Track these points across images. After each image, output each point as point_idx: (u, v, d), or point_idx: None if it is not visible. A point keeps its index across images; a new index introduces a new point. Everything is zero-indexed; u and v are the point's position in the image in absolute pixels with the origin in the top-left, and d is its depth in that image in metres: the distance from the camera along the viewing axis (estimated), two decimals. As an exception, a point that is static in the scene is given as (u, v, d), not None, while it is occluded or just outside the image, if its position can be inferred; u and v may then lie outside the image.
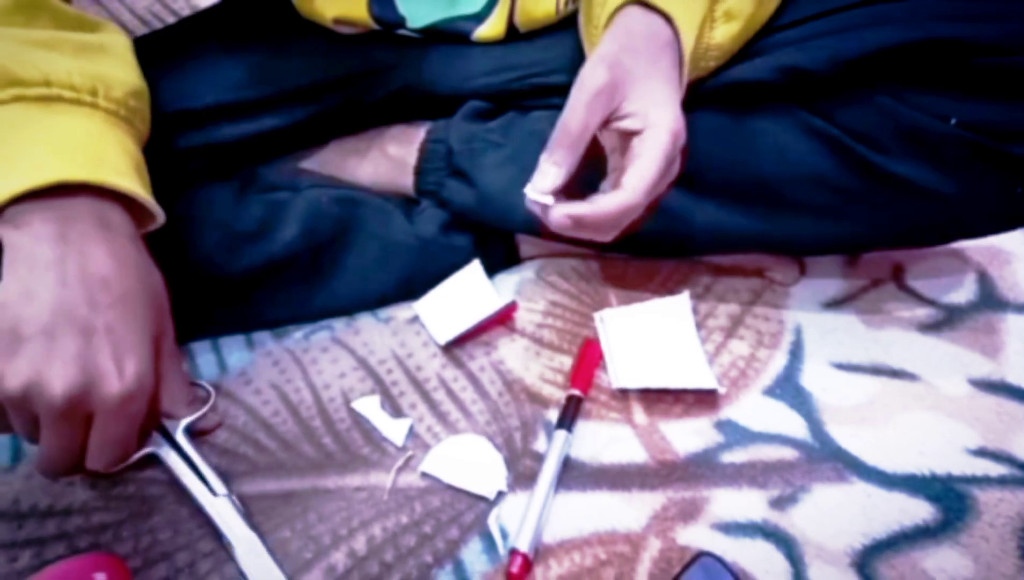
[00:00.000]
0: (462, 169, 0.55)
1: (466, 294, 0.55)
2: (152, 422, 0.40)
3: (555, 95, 0.53)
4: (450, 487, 0.43)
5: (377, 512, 0.41)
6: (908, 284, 0.59)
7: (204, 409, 0.43)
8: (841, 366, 0.54)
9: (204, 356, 0.50)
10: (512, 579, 0.38)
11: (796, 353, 0.54)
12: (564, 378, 0.51)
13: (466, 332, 0.52)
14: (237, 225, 0.50)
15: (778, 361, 0.54)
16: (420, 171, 0.57)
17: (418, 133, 0.58)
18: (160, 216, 0.39)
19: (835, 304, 0.59)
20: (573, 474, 0.44)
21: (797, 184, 0.49)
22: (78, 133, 0.36)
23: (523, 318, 0.55)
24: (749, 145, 0.49)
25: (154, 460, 0.41)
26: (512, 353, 0.52)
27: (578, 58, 0.52)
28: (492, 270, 0.58)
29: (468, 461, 0.44)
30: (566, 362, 0.52)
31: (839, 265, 0.63)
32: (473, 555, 0.40)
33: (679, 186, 0.46)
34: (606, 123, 0.37)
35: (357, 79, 0.55)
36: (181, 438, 0.41)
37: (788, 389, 0.51)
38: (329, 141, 0.58)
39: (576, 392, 0.48)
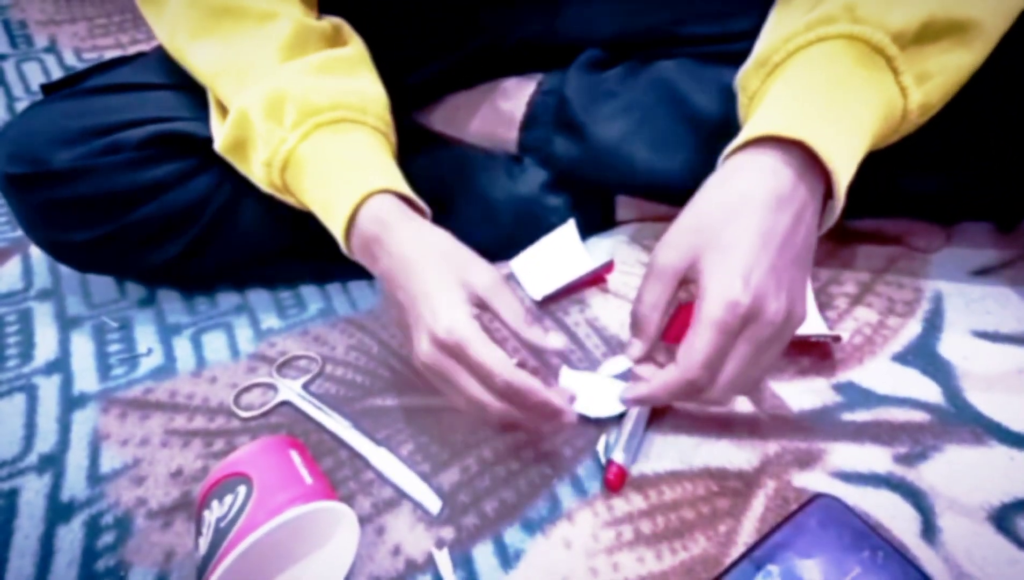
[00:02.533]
0: (574, 120, 0.55)
1: (560, 253, 0.56)
2: None
3: (686, 45, 0.53)
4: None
5: (498, 430, 0.45)
6: (1071, 251, 0.54)
7: (314, 372, 0.49)
8: (986, 335, 0.50)
9: (338, 297, 0.56)
10: (609, 485, 0.40)
11: (934, 321, 0.52)
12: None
13: (561, 289, 0.53)
14: None
15: (911, 329, 0.51)
16: (526, 125, 0.58)
17: (528, 87, 0.59)
18: (427, 212, 0.43)
19: (984, 272, 0.55)
20: (679, 420, 0.45)
21: None
22: (364, 148, 0.42)
23: (617, 280, 0.56)
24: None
25: (287, 406, 0.47)
26: (606, 311, 0.54)
27: (714, 10, 0.51)
28: (587, 232, 0.58)
29: (587, 388, 0.46)
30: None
31: (989, 234, 0.58)
32: (588, 472, 0.42)
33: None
34: (684, 283, 0.37)
35: (493, 26, 0.56)
36: (303, 392, 0.48)
37: (922, 356, 0.49)
38: (445, 96, 0.60)
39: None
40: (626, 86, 0.54)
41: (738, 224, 0.34)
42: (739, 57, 0.41)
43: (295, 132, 0.41)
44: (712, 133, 0.51)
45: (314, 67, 0.43)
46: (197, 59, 0.45)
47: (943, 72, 0.36)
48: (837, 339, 0.49)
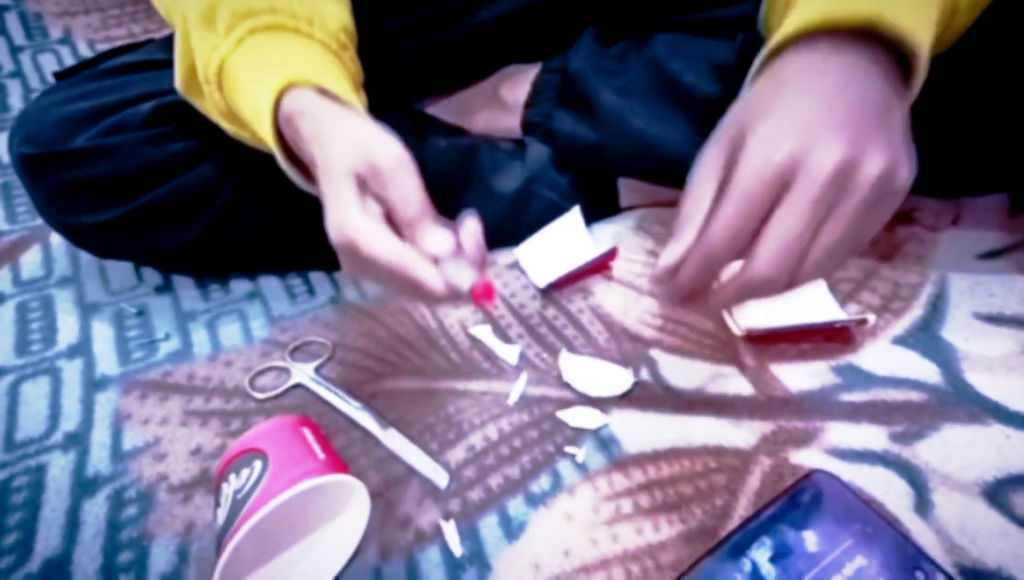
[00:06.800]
0: (577, 95, 0.56)
1: (564, 240, 0.57)
2: None
3: (687, 12, 0.53)
4: (560, 399, 0.47)
5: (502, 411, 0.46)
6: (1077, 233, 0.54)
7: (325, 356, 0.51)
8: (990, 318, 0.51)
9: (349, 288, 0.57)
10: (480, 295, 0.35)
11: (937, 305, 0.52)
12: (664, 322, 0.52)
13: (565, 277, 0.54)
14: None
15: (914, 312, 0.52)
16: (529, 104, 0.59)
17: (530, 74, 0.60)
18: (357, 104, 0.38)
19: (990, 255, 0.56)
20: (678, 400, 0.46)
21: None
22: (302, 54, 0.38)
23: (621, 267, 0.57)
24: None
25: (300, 388, 0.49)
26: (609, 299, 0.54)
27: None
28: (591, 219, 0.59)
29: (587, 371, 0.48)
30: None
31: (997, 216, 0.59)
32: (589, 452, 0.44)
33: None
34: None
35: None
36: (315, 375, 0.49)
37: (923, 339, 0.50)
38: (454, 89, 0.61)
39: None
40: (625, 65, 0.55)
41: (784, 91, 0.29)
42: (729, 26, 0.41)
43: (228, 38, 0.37)
44: (703, 110, 0.51)
45: None
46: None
47: None
48: (863, 322, 0.49)
